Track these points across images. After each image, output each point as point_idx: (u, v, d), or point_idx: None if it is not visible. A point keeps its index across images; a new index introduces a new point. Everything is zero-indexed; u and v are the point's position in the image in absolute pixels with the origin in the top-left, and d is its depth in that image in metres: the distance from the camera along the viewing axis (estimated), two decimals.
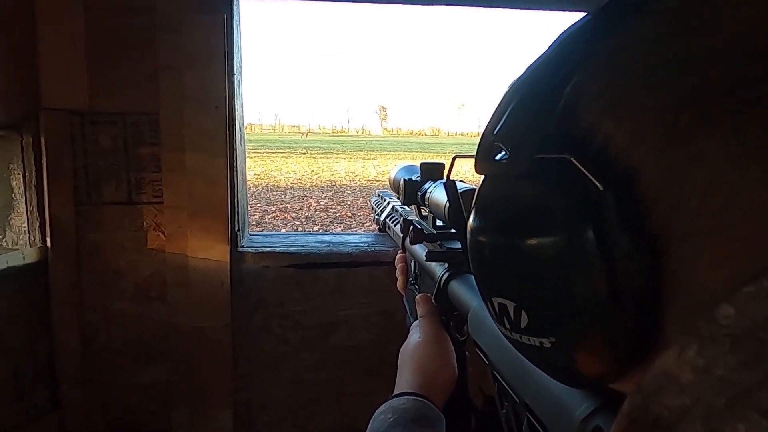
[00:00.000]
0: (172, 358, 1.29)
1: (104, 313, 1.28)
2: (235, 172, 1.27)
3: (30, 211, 1.18)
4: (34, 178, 1.17)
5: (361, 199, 10.36)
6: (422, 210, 0.95)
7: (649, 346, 0.25)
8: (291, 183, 12.88)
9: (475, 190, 0.36)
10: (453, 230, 0.81)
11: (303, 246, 1.33)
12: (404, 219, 0.96)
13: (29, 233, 1.18)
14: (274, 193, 10.98)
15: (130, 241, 1.26)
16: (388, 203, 1.28)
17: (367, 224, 7.77)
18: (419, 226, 0.86)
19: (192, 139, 1.21)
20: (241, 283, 1.30)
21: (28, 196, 1.17)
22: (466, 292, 0.68)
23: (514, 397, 0.46)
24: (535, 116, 0.29)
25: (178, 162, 1.22)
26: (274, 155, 23.19)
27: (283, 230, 7.18)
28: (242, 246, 1.32)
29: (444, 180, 0.73)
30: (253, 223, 7.67)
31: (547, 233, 0.27)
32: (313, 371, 1.36)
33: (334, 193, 11.18)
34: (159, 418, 1.31)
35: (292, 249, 1.32)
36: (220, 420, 1.31)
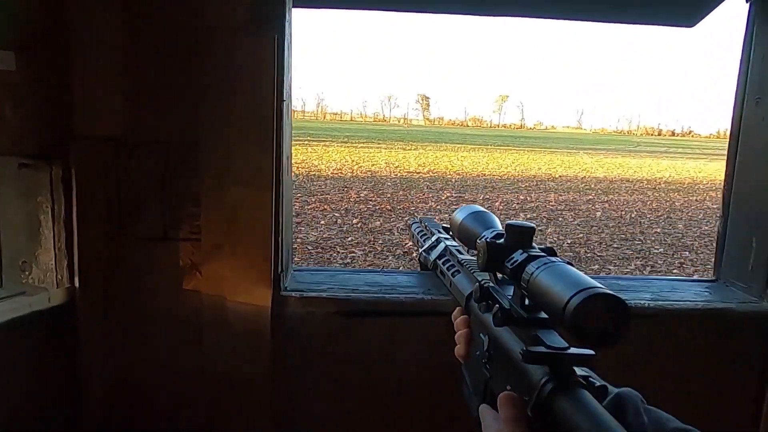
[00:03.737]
0: (207, 406, 1.18)
1: (135, 358, 1.17)
2: (280, 208, 1.16)
3: (58, 248, 1.07)
4: (63, 212, 1.07)
5: (401, 192, 10.25)
6: (498, 275, 0.80)
7: None
8: (331, 173, 12.84)
9: None
10: (546, 317, 0.66)
11: (351, 290, 1.21)
12: (480, 286, 0.80)
13: (56, 271, 1.08)
14: (315, 183, 10.96)
15: (165, 281, 1.14)
16: (438, 240, 1.13)
17: (407, 219, 7.64)
18: (506, 306, 0.71)
19: (235, 171, 1.10)
20: (284, 330, 1.17)
21: (56, 231, 1.07)
22: (585, 422, 0.53)
23: None
24: None
25: (219, 196, 1.10)
26: (315, 143, 23.23)
27: (323, 222, 7.11)
28: (286, 289, 1.19)
29: (555, 261, 0.63)
30: (293, 213, 7.61)
31: None
32: (359, 429, 1.23)
33: (374, 185, 11.11)
34: None
35: (340, 294, 1.19)
36: None
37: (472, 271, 0.89)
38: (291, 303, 1.17)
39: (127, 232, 1.12)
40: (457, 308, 0.89)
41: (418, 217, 1.34)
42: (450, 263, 1.00)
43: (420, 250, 1.19)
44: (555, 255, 0.67)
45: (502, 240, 0.75)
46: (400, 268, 5.02)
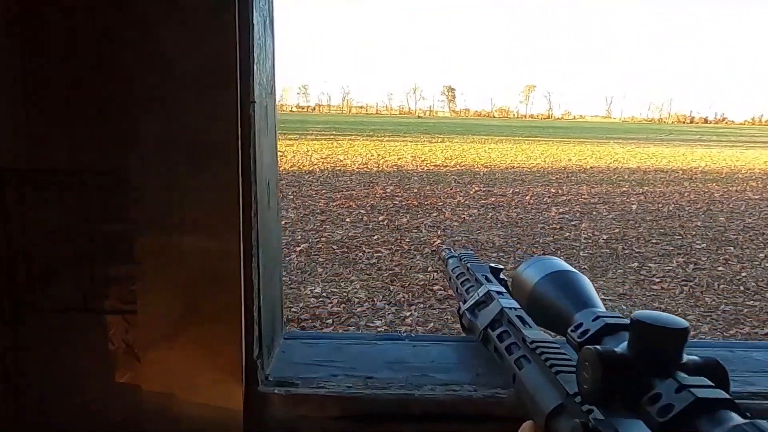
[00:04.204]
0: None
1: None
2: (254, 259, 0.77)
3: None
4: None
5: (427, 186, 10.04)
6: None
7: None
8: (357, 167, 12.67)
9: None
10: None
11: (364, 378, 0.82)
12: (584, 427, 0.47)
13: None
14: (340, 179, 10.80)
15: (89, 369, 0.76)
16: (488, 294, 0.80)
17: (434, 215, 7.44)
18: None
19: (183, 211, 0.74)
20: None
21: None
22: None
23: None
24: None
25: (161, 246, 0.73)
26: (341, 138, 23.09)
27: (348, 220, 6.93)
28: (267, 380, 0.81)
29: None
30: (318, 211, 7.49)
31: None
32: None
33: (401, 179, 10.93)
34: None
35: (346, 389, 0.80)
36: None
37: (551, 366, 0.56)
38: (274, 403, 0.79)
39: (37, 299, 0.75)
40: (528, 424, 0.57)
41: (456, 249, 1.01)
42: (511, 341, 0.67)
43: (462, 307, 0.86)
44: (726, 383, 0.40)
45: (624, 348, 0.45)
46: (430, 270, 4.81)
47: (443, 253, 1.04)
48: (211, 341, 0.77)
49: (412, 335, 0.87)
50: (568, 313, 0.58)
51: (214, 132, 0.73)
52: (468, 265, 0.91)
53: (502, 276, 0.87)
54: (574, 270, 0.65)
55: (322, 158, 14.43)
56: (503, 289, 0.81)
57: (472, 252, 0.96)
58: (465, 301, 0.85)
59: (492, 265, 0.89)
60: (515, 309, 0.72)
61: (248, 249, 0.76)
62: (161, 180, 0.74)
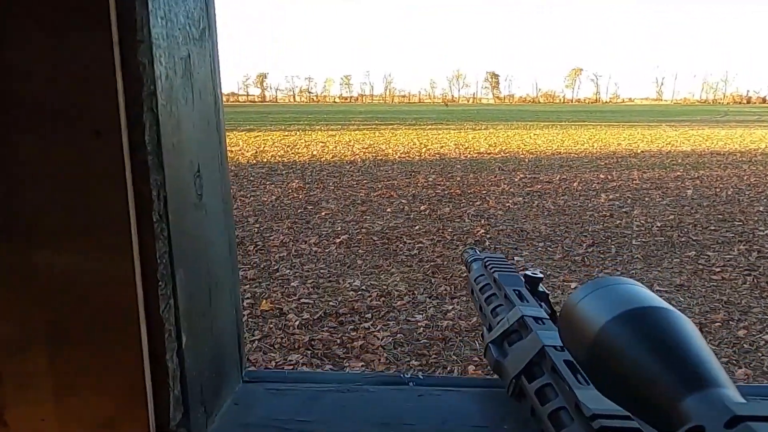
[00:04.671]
0: None
1: None
2: (161, 285, 0.48)
3: None
4: None
5: (470, 175, 9.81)
6: None
7: None
8: (399, 157, 12.51)
9: None
10: None
11: None
12: None
13: None
14: (381, 168, 10.66)
15: None
16: (521, 318, 0.56)
17: (478, 204, 7.23)
18: None
19: (46, 212, 0.48)
20: None
21: None
22: None
23: None
24: None
25: (15, 266, 0.48)
26: (383, 127, 22.94)
27: (389, 210, 6.79)
28: None
29: None
30: (359, 201, 7.37)
31: None
32: None
33: (443, 168, 10.72)
34: None
35: None
36: None
37: None
38: None
39: None
40: None
41: (480, 251, 0.79)
42: (559, 406, 0.45)
43: (486, 337, 0.61)
44: None
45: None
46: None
47: (465, 255, 0.80)
48: (93, 413, 0.49)
49: (420, 377, 0.62)
50: (666, 393, 0.34)
51: (77, 93, 0.44)
52: (495, 275, 0.67)
53: (542, 288, 0.64)
54: (671, 308, 0.39)
55: (363, 148, 14.33)
56: (543, 313, 0.58)
57: (502, 256, 0.72)
58: (490, 328, 0.62)
59: (529, 273, 0.65)
60: (562, 349, 0.49)
61: (150, 270, 0.47)
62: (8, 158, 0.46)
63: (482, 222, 6.16)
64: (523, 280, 0.65)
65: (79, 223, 0.46)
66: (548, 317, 0.57)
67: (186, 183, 0.52)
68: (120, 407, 0.48)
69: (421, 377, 0.62)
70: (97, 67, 0.43)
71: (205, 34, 0.56)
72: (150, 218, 0.46)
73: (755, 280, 4.14)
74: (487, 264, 0.71)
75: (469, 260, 0.78)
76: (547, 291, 0.64)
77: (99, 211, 0.46)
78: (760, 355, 3.00)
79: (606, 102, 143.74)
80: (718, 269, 4.42)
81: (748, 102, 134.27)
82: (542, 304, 0.61)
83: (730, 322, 3.36)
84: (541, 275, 0.65)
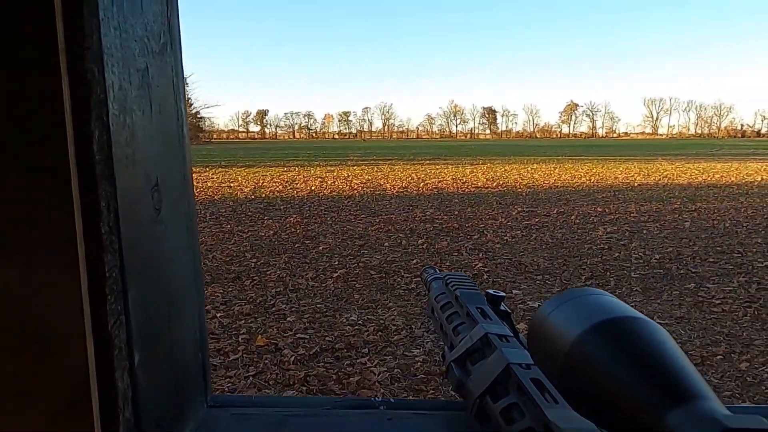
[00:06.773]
0: None
1: None
2: (110, 299, 0.45)
3: None
4: None
5: (468, 208, 9.81)
6: None
7: None
8: (396, 191, 12.54)
9: None
10: None
11: None
12: None
13: None
14: (379, 203, 10.68)
15: None
16: (485, 335, 0.54)
17: (476, 238, 7.20)
18: None
19: None
20: None
21: None
22: None
23: None
24: None
25: None
26: (382, 162, 23.10)
27: (386, 244, 6.77)
28: None
29: None
30: (356, 235, 7.35)
31: None
32: None
33: (441, 202, 10.74)
34: None
35: None
36: None
37: None
38: None
39: None
40: None
41: (441, 271, 0.76)
42: (526, 427, 0.42)
43: (448, 356, 0.58)
44: None
45: None
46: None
47: (425, 275, 0.77)
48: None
49: (391, 400, 0.59)
50: (648, 406, 0.32)
51: (19, 96, 0.41)
52: (457, 292, 0.65)
53: (503, 307, 0.62)
54: (646, 318, 0.37)
55: (361, 183, 14.38)
56: (508, 331, 0.55)
57: (465, 275, 0.69)
58: (452, 347, 0.59)
59: (491, 291, 0.63)
60: (529, 367, 0.47)
61: (98, 284, 0.44)
62: None
63: (480, 255, 6.13)
64: (485, 298, 0.63)
65: (22, 235, 0.42)
66: (512, 335, 0.54)
67: (141, 196, 0.49)
68: (62, 428, 0.44)
69: (392, 401, 0.59)
70: (40, 71, 0.40)
71: (166, 49, 0.54)
72: (99, 230, 0.43)
73: (756, 312, 4.09)
74: (448, 282, 0.68)
75: (429, 279, 0.75)
76: (509, 310, 0.62)
77: (44, 221, 0.42)
78: (763, 388, 2.94)
79: (602, 136, 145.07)
80: (718, 301, 4.37)
81: (743, 135, 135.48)
82: (504, 322, 0.59)
83: (732, 355, 3.31)
84: (503, 294, 0.62)
